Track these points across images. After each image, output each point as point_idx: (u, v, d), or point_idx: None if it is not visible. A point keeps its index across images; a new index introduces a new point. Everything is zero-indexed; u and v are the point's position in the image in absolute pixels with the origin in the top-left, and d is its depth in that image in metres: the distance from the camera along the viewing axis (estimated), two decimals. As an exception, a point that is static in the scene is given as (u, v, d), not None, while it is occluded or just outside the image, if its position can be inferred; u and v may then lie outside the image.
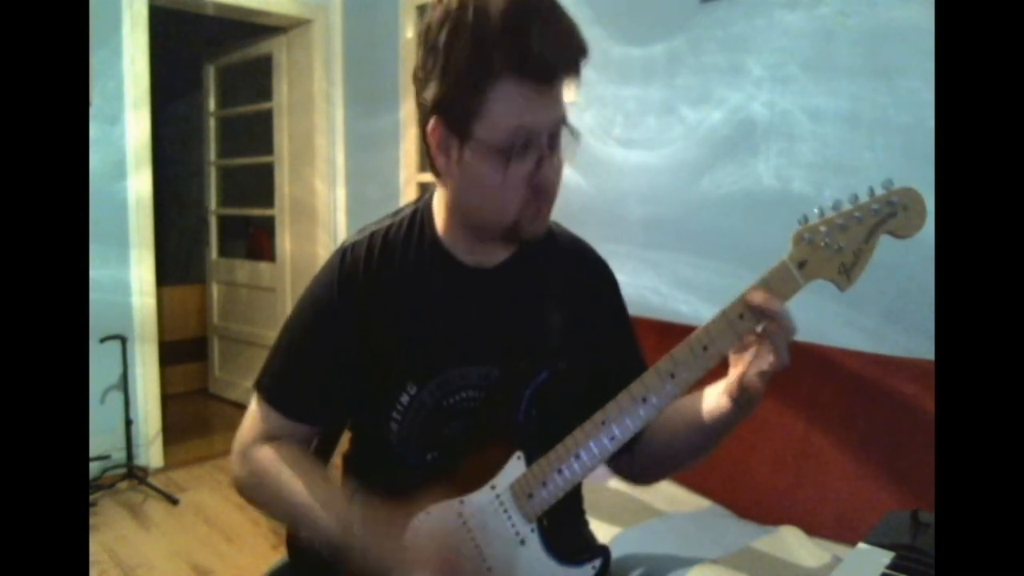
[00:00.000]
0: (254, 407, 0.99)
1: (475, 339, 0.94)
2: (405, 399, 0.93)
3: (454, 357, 0.93)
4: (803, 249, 0.78)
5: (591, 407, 0.86)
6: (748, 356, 0.80)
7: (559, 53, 0.79)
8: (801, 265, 0.78)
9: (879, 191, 0.77)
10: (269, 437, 0.97)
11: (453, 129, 0.82)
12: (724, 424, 0.86)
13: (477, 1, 0.78)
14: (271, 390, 0.97)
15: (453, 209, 0.92)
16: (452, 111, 0.81)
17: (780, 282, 0.79)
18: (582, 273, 1.02)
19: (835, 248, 0.77)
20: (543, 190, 0.85)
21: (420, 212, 0.98)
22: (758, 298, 0.77)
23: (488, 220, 0.88)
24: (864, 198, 0.78)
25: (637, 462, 0.99)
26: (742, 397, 0.81)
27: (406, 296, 0.94)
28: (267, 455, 0.94)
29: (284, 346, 0.98)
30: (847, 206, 0.78)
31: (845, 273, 0.78)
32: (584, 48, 0.81)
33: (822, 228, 0.78)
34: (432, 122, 0.83)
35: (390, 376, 0.93)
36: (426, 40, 0.82)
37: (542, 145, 0.82)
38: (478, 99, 0.79)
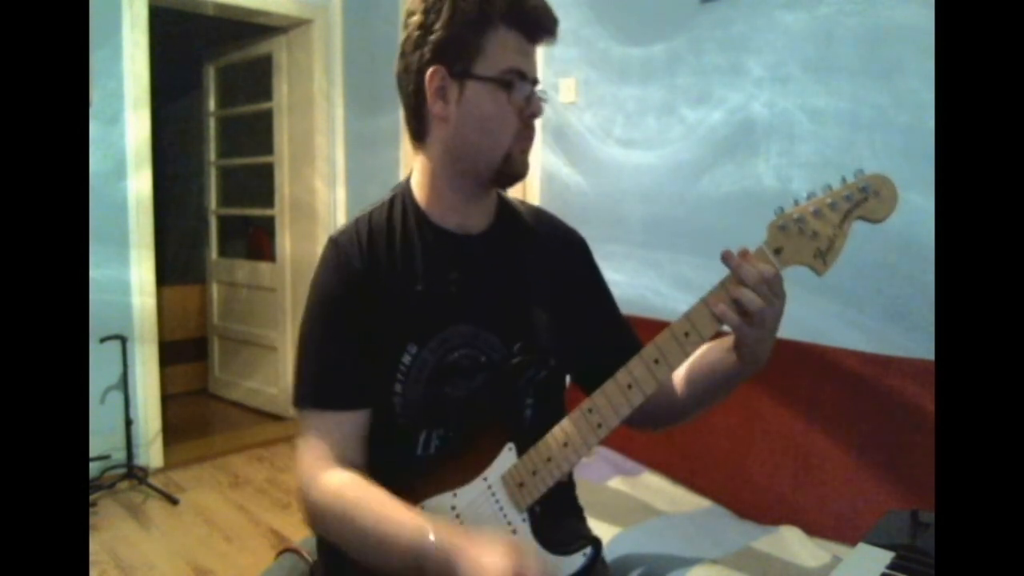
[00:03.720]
0: (304, 428, 0.96)
1: (465, 299, 0.98)
2: (407, 359, 0.95)
3: (449, 316, 0.97)
4: (778, 237, 0.82)
5: (584, 380, 0.91)
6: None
7: (545, 14, 0.94)
8: (777, 252, 0.82)
9: (851, 179, 0.80)
10: (326, 452, 0.94)
11: (454, 72, 0.92)
12: (734, 377, 0.92)
13: None
14: (311, 395, 0.96)
15: (442, 164, 0.98)
16: (455, 53, 0.92)
17: None
18: (559, 241, 1.09)
19: (810, 234, 0.80)
20: (532, 124, 0.96)
21: (400, 193, 1.04)
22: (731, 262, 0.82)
23: (484, 157, 0.95)
24: (837, 187, 0.81)
25: (646, 413, 0.98)
26: (742, 348, 0.87)
27: (398, 266, 0.98)
28: (334, 482, 0.91)
29: (309, 350, 0.98)
30: (821, 195, 0.81)
31: (820, 257, 0.81)
32: (557, 20, 0.95)
33: (796, 216, 0.81)
34: (432, 70, 0.92)
35: (392, 340, 0.96)
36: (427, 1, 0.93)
37: (529, 87, 0.94)
38: (480, 41, 0.91)
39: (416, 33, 0.94)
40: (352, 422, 0.97)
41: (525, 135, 0.96)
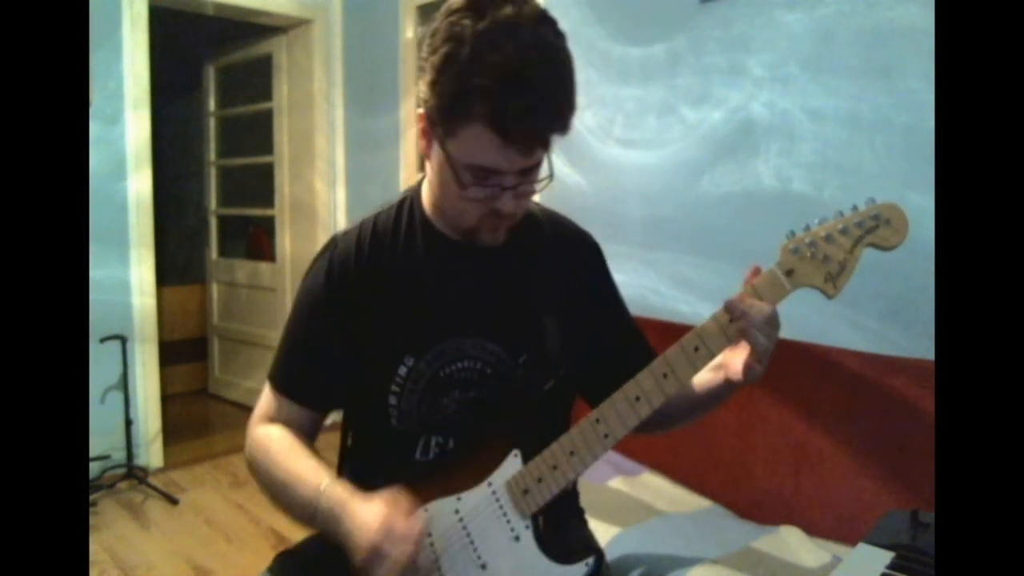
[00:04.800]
0: (266, 393, 1.03)
1: (467, 311, 0.97)
2: (403, 371, 0.95)
3: (448, 328, 0.96)
4: (791, 259, 0.84)
5: (593, 390, 0.91)
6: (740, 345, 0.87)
7: (532, 129, 0.81)
8: (789, 273, 0.84)
9: (862, 207, 0.82)
10: (274, 418, 1.01)
11: (432, 129, 0.87)
12: (719, 395, 0.93)
13: (477, 44, 0.78)
14: (279, 378, 1.01)
15: (430, 191, 0.97)
16: (434, 117, 0.85)
17: (768, 289, 0.84)
18: (568, 248, 1.06)
19: (821, 258, 0.83)
20: (500, 216, 0.89)
21: (409, 198, 1.03)
22: (734, 299, 0.84)
23: (448, 216, 0.95)
24: (849, 213, 0.83)
25: None
26: (736, 378, 0.88)
27: (398, 273, 0.98)
28: (263, 432, 0.99)
29: (287, 337, 1.02)
30: (833, 220, 0.83)
31: (831, 281, 0.83)
32: (563, 125, 0.82)
33: (808, 240, 0.83)
34: (420, 111, 0.89)
35: (388, 351, 0.96)
36: (430, 45, 0.84)
37: (502, 182, 0.85)
38: (452, 126, 0.83)
39: (422, 59, 0.86)
40: (307, 417, 1.01)
41: (490, 224, 0.90)
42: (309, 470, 0.91)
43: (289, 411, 1.00)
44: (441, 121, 0.84)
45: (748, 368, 0.85)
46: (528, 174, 0.86)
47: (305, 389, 1.00)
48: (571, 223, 1.10)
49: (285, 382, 1.01)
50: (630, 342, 1.06)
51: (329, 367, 0.98)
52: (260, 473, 0.97)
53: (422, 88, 0.86)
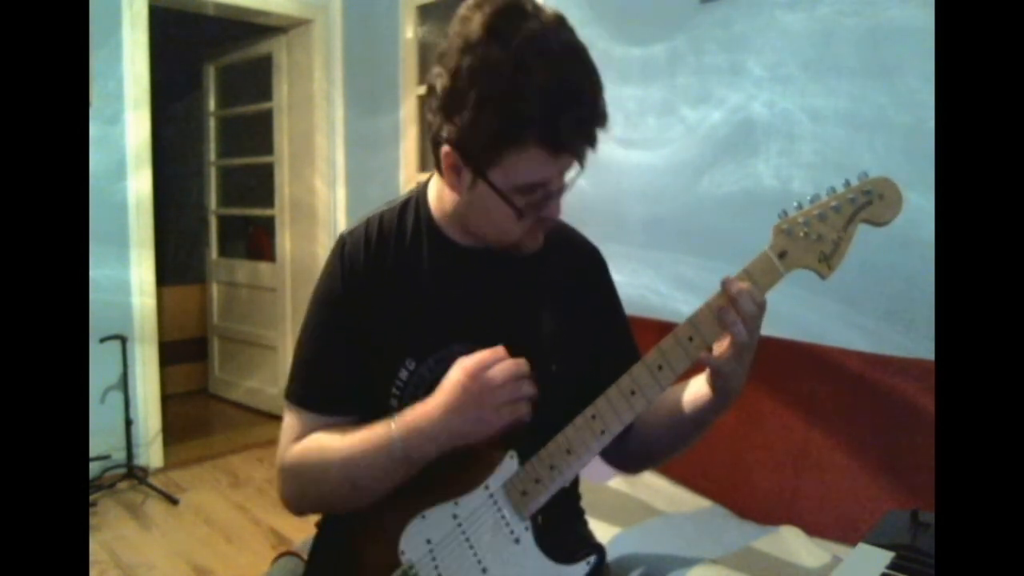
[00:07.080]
0: (287, 419, 0.98)
1: (471, 316, 0.96)
2: (404, 375, 0.94)
3: (451, 333, 0.95)
4: (783, 240, 0.81)
5: (585, 399, 0.87)
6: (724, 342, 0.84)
7: (585, 137, 0.83)
8: (782, 255, 0.81)
9: (854, 183, 0.80)
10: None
11: (467, 164, 0.85)
12: (707, 412, 0.90)
13: (515, 73, 0.78)
14: (298, 393, 0.98)
15: (454, 211, 0.94)
16: (471, 152, 0.83)
17: (762, 272, 0.82)
18: (573, 259, 1.05)
19: (814, 238, 0.80)
20: (546, 223, 0.91)
21: (415, 198, 1.01)
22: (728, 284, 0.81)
23: (488, 237, 0.93)
24: (841, 190, 0.80)
25: (625, 452, 1.01)
26: (717, 380, 0.86)
27: (402, 275, 0.96)
28: (298, 449, 0.95)
29: (304, 348, 0.99)
30: (826, 198, 0.80)
31: (825, 261, 0.80)
32: (605, 122, 0.84)
33: (801, 219, 0.81)
34: (446, 148, 0.85)
35: (390, 353, 0.95)
36: (453, 78, 0.81)
37: (548, 190, 0.87)
38: (499, 154, 0.82)
39: (440, 98, 0.84)
40: (333, 427, 0.97)
41: (534, 234, 0.91)
42: (366, 430, 0.89)
43: (316, 425, 0.96)
44: (483, 155, 0.83)
45: (719, 364, 0.83)
46: (564, 174, 0.89)
47: (327, 398, 0.97)
48: (579, 234, 1.08)
49: (305, 395, 0.97)
50: (625, 358, 0.99)
51: (349, 373, 0.96)
52: (320, 466, 0.92)
53: (448, 128, 0.83)
